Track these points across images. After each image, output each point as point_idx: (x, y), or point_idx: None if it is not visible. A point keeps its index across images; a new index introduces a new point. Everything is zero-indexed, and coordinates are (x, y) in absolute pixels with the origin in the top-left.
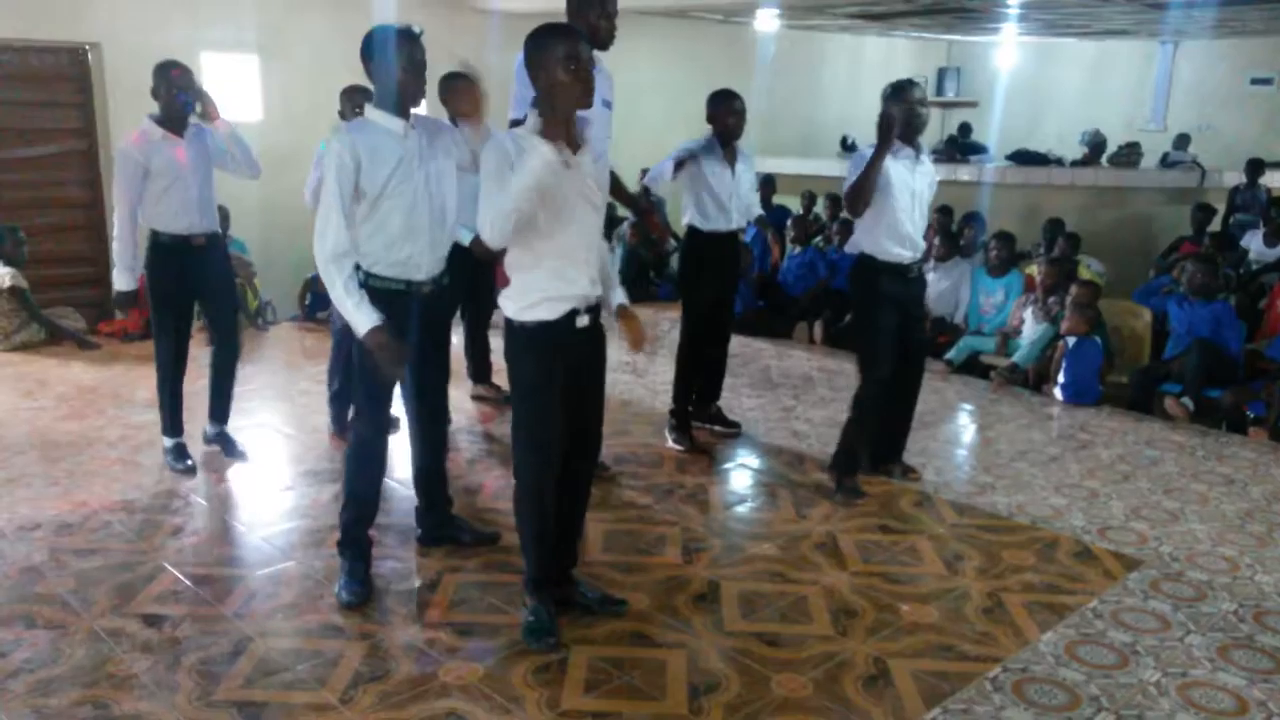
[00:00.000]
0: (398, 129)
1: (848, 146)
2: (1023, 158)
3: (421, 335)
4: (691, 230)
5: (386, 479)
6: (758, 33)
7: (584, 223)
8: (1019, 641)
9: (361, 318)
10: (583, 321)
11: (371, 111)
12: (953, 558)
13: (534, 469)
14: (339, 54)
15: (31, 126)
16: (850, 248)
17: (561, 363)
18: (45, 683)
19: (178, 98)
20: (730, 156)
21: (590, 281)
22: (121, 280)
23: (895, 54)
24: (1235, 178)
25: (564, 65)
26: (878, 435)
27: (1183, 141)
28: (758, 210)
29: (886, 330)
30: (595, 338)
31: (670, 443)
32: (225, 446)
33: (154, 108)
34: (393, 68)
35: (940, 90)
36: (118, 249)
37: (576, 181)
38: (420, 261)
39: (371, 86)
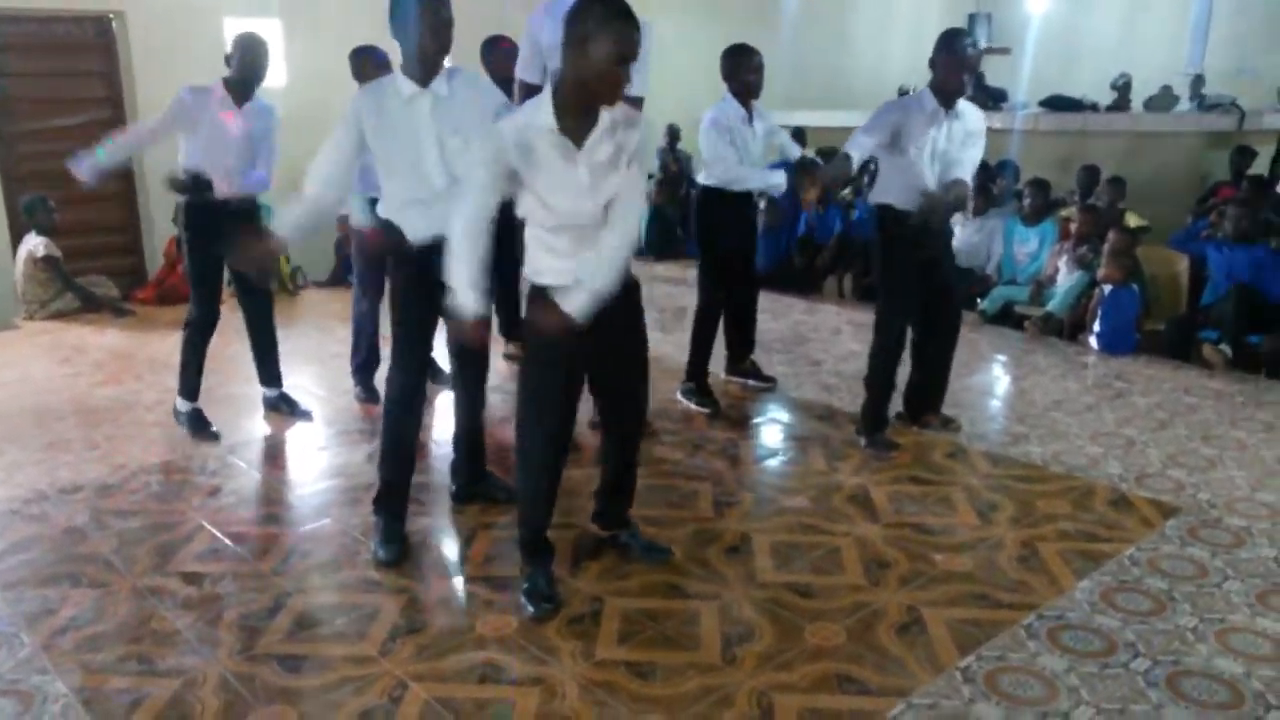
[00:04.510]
0: (406, 93)
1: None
2: (1056, 103)
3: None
4: (706, 190)
5: (421, 438)
6: None
7: (578, 211)
8: (1054, 590)
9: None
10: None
11: (397, 73)
12: (986, 508)
13: (531, 429)
14: (364, 17)
15: (58, 96)
16: (873, 198)
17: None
18: (91, 639)
19: None
20: (749, 115)
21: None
22: (102, 153)
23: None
24: (1277, 120)
25: (611, 61)
26: (914, 387)
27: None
28: (796, 151)
29: (904, 280)
30: (619, 296)
31: (693, 407)
32: (289, 408)
33: (178, 79)
34: (412, 30)
35: (972, 36)
36: (118, 140)
37: (577, 173)
38: (418, 222)
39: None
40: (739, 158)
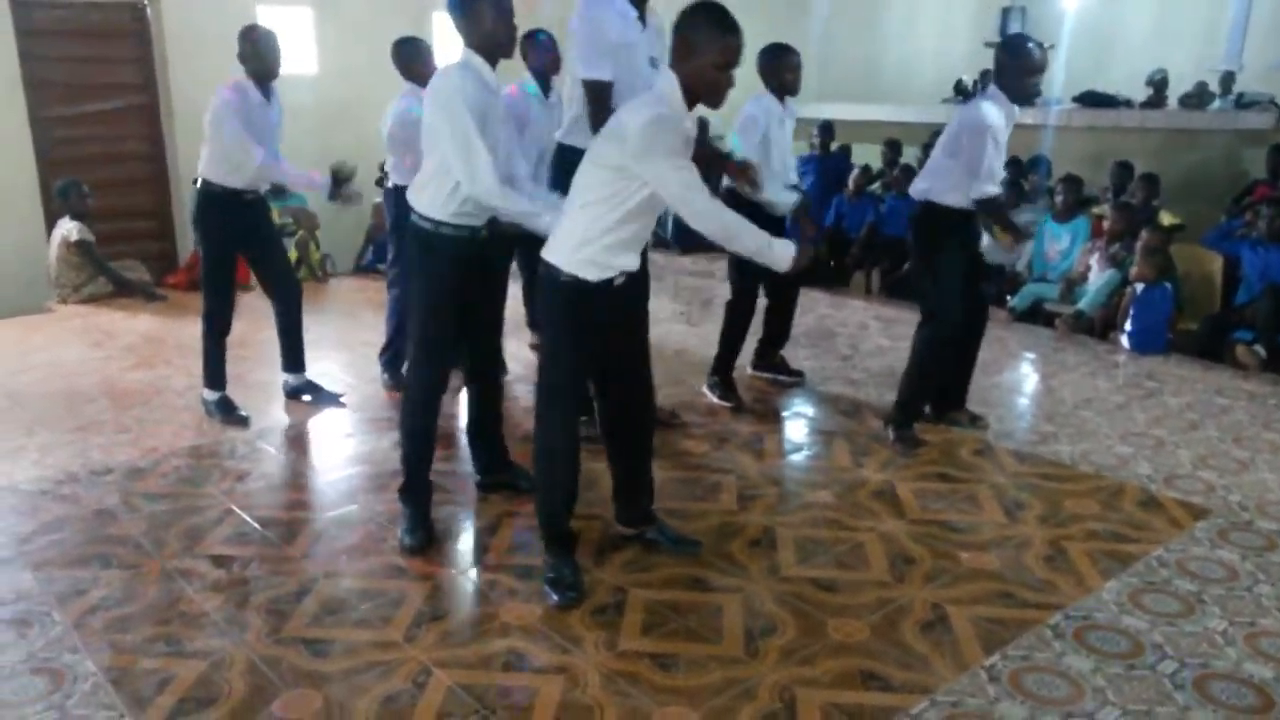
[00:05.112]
0: (492, 81)
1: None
2: (1090, 99)
3: (477, 282)
4: (731, 191)
5: (448, 426)
6: None
7: (658, 208)
8: (1081, 590)
9: (546, 216)
10: (620, 280)
11: (471, 57)
12: (1013, 506)
13: (555, 424)
14: (393, 5)
15: (92, 82)
16: (918, 194)
17: (599, 318)
18: (121, 619)
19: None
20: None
21: (635, 260)
22: (302, 181)
23: None
24: None
25: (715, 68)
26: (941, 384)
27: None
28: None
29: (957, 276)
30: (635, 283)
31: (716, 399)
32: (316, 395)
33: (211, 65)
34: (485, 22)
35: (1004, 31)
36: (282, 175)
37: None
38: (477, 210)
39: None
40: (767, 155)
